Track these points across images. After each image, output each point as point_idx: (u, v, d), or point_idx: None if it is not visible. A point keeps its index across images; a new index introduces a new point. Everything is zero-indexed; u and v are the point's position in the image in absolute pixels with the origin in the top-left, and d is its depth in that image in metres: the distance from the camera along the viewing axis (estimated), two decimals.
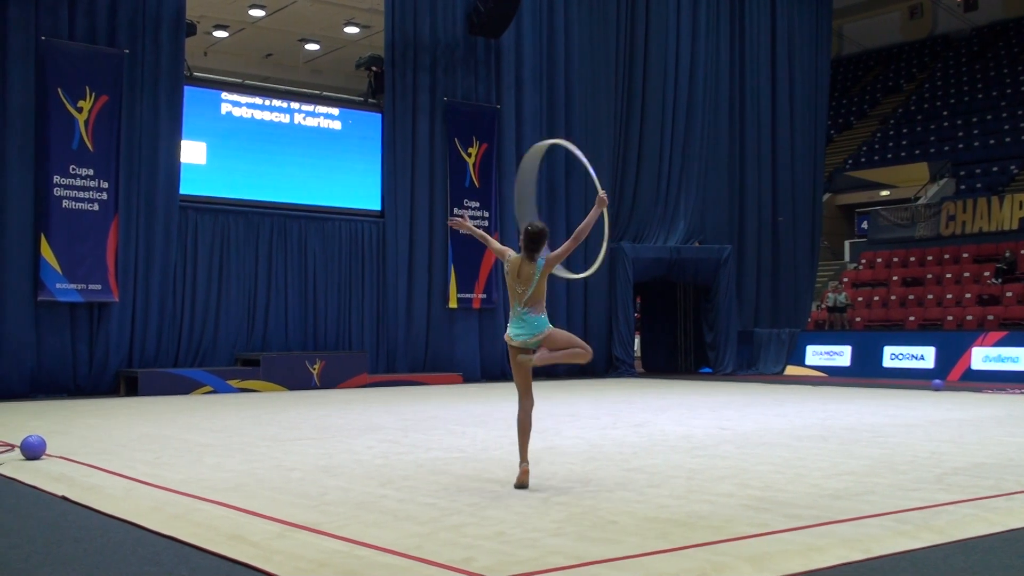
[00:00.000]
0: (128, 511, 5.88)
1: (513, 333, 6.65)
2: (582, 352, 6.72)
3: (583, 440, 9.49)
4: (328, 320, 19.07)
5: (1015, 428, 10.66)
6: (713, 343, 22.62)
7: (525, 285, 6.63)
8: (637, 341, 25.54)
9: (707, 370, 23.22)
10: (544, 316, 6.66)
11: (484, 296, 20.30)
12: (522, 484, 6.64)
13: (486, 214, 20.43)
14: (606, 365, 21.98)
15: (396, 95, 19.78)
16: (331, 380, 18.01)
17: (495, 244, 7.04)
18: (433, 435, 9.98)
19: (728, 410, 13.08)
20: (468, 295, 20.11)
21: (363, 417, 12.12)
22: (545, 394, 16.49)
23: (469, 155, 20.33)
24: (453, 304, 19.96)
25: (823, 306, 25.35)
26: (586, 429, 10.53)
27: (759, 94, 24.46)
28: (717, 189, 23.62)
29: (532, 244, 6.65)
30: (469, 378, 19.89)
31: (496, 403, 14.53)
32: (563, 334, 6.73)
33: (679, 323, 24.30)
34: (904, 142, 34.24)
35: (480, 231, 7.18)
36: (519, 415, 6.87)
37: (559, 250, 6.61)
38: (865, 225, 29.61)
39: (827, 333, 23.16)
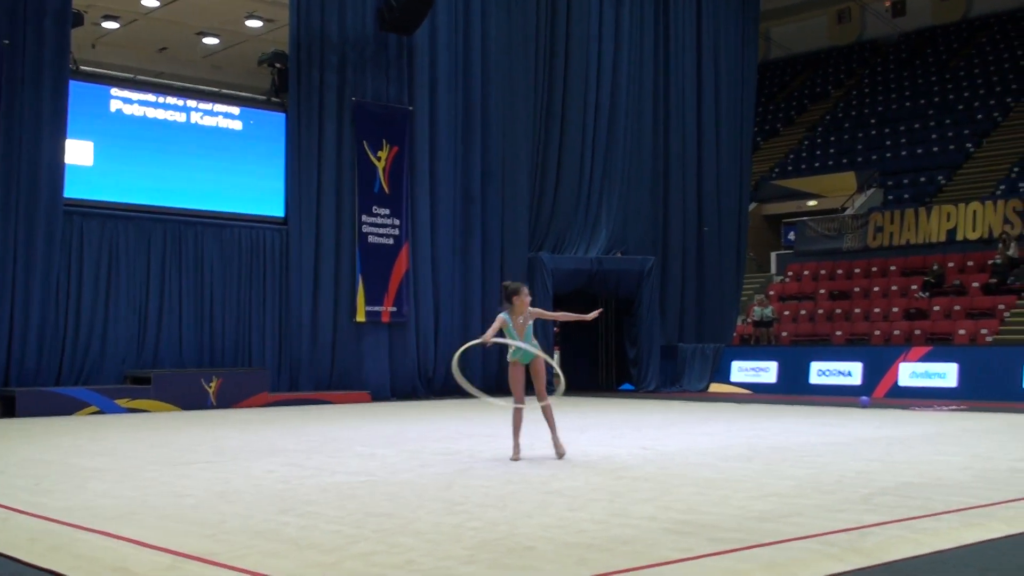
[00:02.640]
0: (3, 543, 5.71)
1: (519, 354, 9.47)
2: (547, 405, 9.89)
3: (500, 463, 9.50)
4: (226, 335, 18.83)
5: (943, 446, 10.98)
6: (635, 359, 22.87)
7: (526, 325, 9.49)
8: (556, 357, 25.67)
9: (629, 387, 23.46)
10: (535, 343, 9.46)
11: (394, 309, 20.23)
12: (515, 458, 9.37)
13: (396, 222, 20.38)
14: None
15: (301, 94, 19.64)
16: (229, 399, 17.77)
17: (493, 329, 9.40)
18: (339, 457, 9.90)
19: (651, 429, 13.22)
20: (377, 308, 20.02)
21: (263, 438, 11.99)
22: (459, 414, 16.48)
23: (379, 159, 20.26)
24: (361, 318, 19.85)
25: (749, 320, 25.84)
26: (503, 451, 10.55)
27: (684, 99, 24.85)
28: (640, 198, 23.92)
29: (508, 298, 9.44)
30: (378, 396, 19.79)
31: (407, 423, 14.47)
32: (542, 369, 9.67)
33: (600, 338, 24.50)
34: (832, 150, 35.11)
35: (497, 335, 9.41)
36: (514, 414, 9.74)
37: (544, 312, 9.73)
38: (792, 236, 30.26)
39: (753, 348, 23.61)
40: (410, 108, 20.78)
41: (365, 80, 20.33)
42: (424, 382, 20.79)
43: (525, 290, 9.50)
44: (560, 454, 9.65)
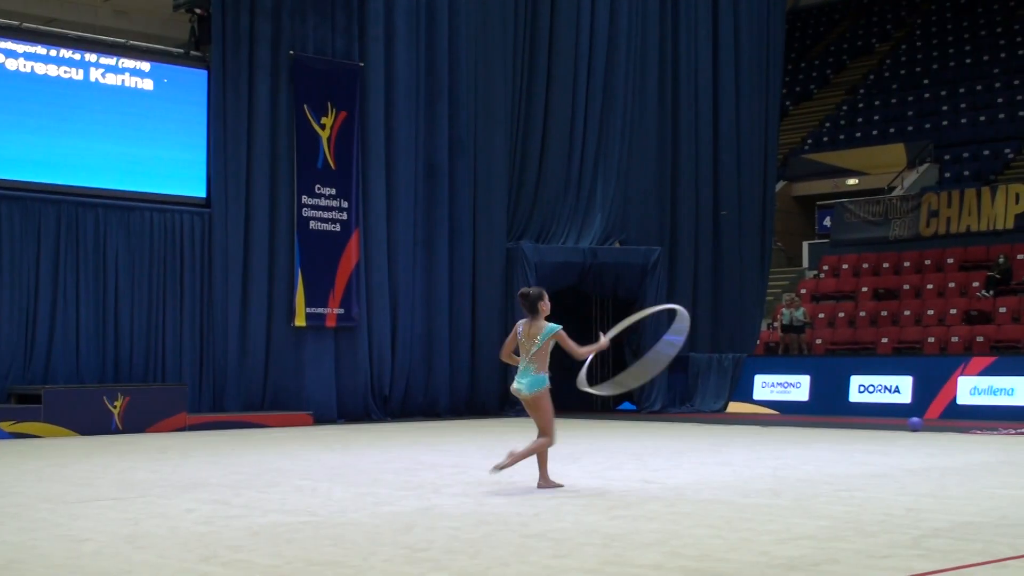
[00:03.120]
0: None
1: (515, 385, 9.82)
2: (544, 442, 9.87)
3: (471, 499, 9.51)
4: (135, 343, 18.77)
5: (1009, 477, 11.06)
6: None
7: (532, 341, 9.79)
8: None
9: (630, 407, 23.50)
10: (545, 376, 9.80)
11: (341, 311, 20.22)
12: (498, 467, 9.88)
13: (344, 204, 20.37)
14: (500, 401, 22.08)
15: (227, 47, 19.59)
16: (138, 422, 17.71)
17: (509, 342, 10.10)
18: (274, 493, 9.88)
19: (656, 458, 13.25)
20: (321, 310, 20.01)
21: (181, 470, 11.94)
22: (420, 440, 16.48)
23: (323, 127, 20.24)
24: (301, 322, 19.83)
25: (775, 325, 25.93)
26: (474, 484, 10.55)
27: (697, 55, 24.91)
28: (644, 175, 23.98)
29: (529, 307, 9.85)
30: (322, 418, 19.78)
31: (357, 450, 14.45)
32: (544, 410, 9.82)
33: None
34: (876, 118, 35.27)
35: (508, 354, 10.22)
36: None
37: (570, 343, 9.74)
38: (828, 222, 30.36)
39: (781, 359, 23.69)
40: (361, 64, 20.74)
41: (306, 30, 20.28)
42: (378, 401, 20.78)
43: (547, 298, 9.97)
44: (553, 484, 10.06)
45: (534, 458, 10.08)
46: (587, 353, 9.81)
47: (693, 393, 23.17)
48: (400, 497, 9.65)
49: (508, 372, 21.90)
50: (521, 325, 9.93)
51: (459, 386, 21.65)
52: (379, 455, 13.83)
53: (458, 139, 21.75)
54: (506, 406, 21.96)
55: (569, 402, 24.31)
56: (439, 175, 21.55)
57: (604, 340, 9.91)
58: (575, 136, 23.18)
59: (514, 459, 9.85)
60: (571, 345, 9.75)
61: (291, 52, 20.05)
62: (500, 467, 9.89)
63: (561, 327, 9.77)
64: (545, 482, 10.03)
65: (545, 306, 9.87)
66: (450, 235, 21.65)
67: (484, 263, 21.94)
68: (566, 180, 23.09)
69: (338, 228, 20.33)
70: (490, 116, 22.09)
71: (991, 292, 24.78)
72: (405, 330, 21.07)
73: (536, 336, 9.77)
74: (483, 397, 21.99)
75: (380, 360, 20.79)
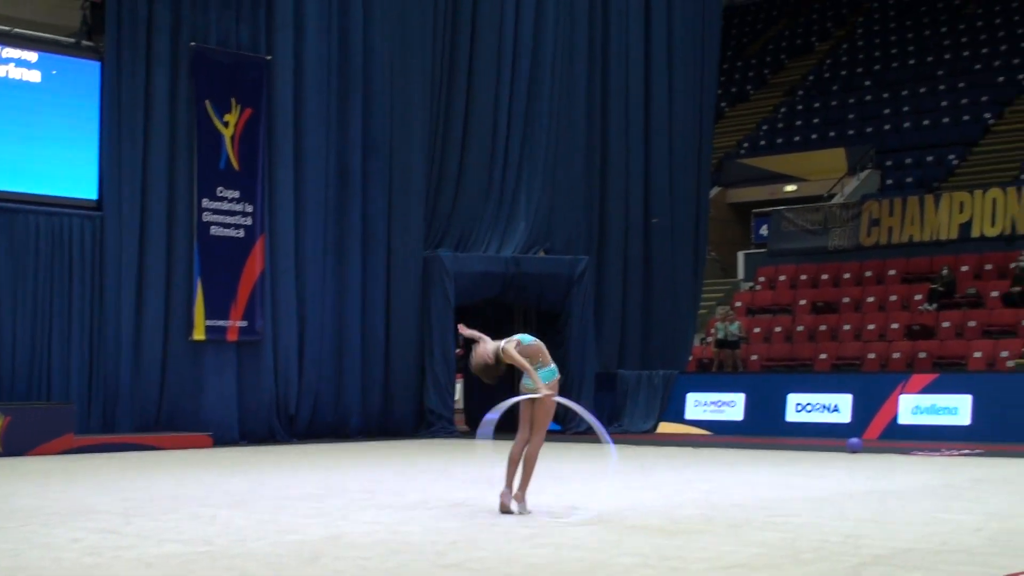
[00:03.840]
0: None
1: (526, 381, 10.23)
2: (538, 447, 10.39)
3: (382, 526, 9.48)
4: (17, 358, 18.52)
5: (952, 501, 11.24)
6: (563, 390, 22.96)
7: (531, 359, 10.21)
8: (459, 387, 25.70)
9: (554, 427, 23.54)
10: (554, 367, 10.37)
11: (244, 324, 20.08)
12: (504, 510, 10.01)
13: (249, 208, 20.23)
14: (416, 421, 22.04)
15: (122, 36, 19.42)
16: (20, 444, 17.43)
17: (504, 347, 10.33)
18: (168, 521, 9.79)
19: (578, 482, 13.30)
20: (222, 322, 19.86)
21: (67, 496, 11.78)
22: (329, 462, 16.41)
23: (226, 124, 20.11)
24: (200, 335, 19.68)
25: (709, 340, 26.16)
26: (386, 510, 10.52)
27: (628, 54, 25.06)
28: (570, 180, 24.07)
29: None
30: (222, 440, 19.61)
31: (260, 474, 14.35)
32: (549, 405, 10.34)
33: None
34: (815, 121, 35.73)
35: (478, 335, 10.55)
36: (512, 447, 10.31)
37: (512, 353, 10.16)
38: (764, 231, 30.67)
39: (714, 376, 23.89)
40: (268, 58, 20.64)
41: (208, 19, 20.14)
42: (284, 421, 20.65)
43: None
44: (523, 511, 10.18)
45: (504, 467, 10.34)
46: (529, 373, 10.26)
47: (621, 412, 23.27)
48: (305, 525, 9.60)
49: (424, 390, 22.04)
50: (519, 350, 10.26)
51: (371, 405, 21.56)
52: (284, 479, 13.74)
53: (372, 140, 21.70)
54: (422, 426, 21.92)
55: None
56: (352, 178, 21.48)
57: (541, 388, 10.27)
58: (498, 138, 23.21)
59: (526, 482, 10.20)
60: (523, 364, 10.23)
61: (192, 43, 19.89)
62: (520, 502, 10.15)
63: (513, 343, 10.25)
64: (522, 495, 10.22)
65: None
66: (363, 242, 21.58)
67: (399, 273, 21.90)
68: (488, 185, 23.11)
69: (242, 234, 20.19)
70: (407, 115, 22.06)
71: (934, 305, 25.17)
72: (313, 345, 20.95)
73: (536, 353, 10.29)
74: (397, 417, 21.92)
75: (286, 377, 20.65)
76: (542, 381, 10.17)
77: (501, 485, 10.23)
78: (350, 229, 21.44)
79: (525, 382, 10.25)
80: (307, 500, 11.48)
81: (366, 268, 21.61)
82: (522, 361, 10.11)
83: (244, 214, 20.21)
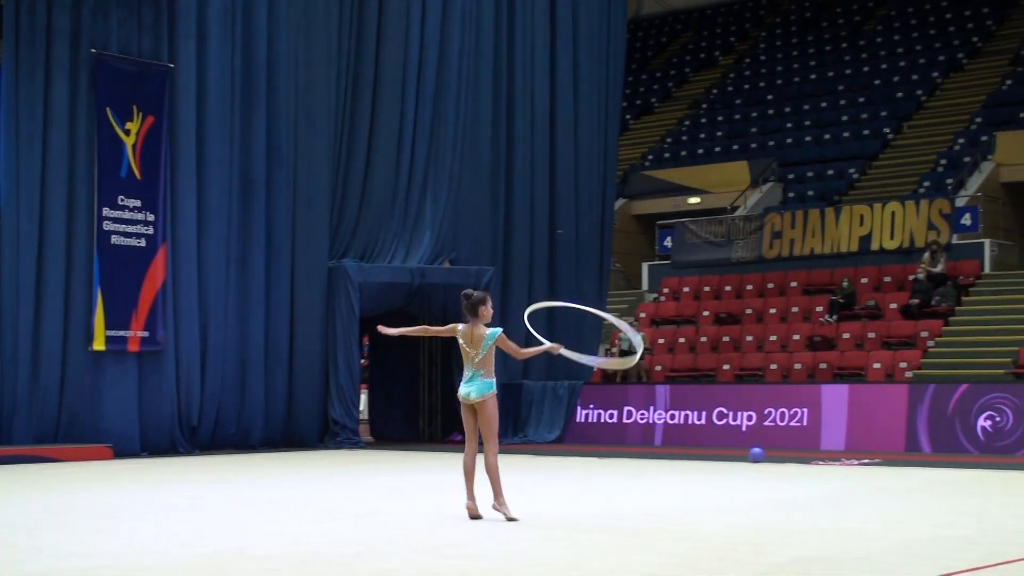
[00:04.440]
0: None
1: (463, 391, 10.35)
2: (495, 456, 10.44)
3: (288, 537, 9.47)
4: None
5: (852, 510, 11.47)
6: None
7: (476, 348, 10.32)
8: (364, 398, 25.65)
9: (459, 437, 23.59)
10: (492, 381, 10.39)
11: (146, 334, 19.89)
12: (474, 516, 10.36)
13: (150, 217, 20.06)
14: (320, 431, 21.96)
15: (21, 42, 19.16)
16: None
17: (438, 329, 10.81)
18: (68, 535, 9.69)
19: (485, 492, 13.35)
20: (122, 332, 19.65)
21: None
22: (235, 473, 16.32)
23: (128, 132, 19.93)
24: (100, 345, 19.46)
25: (613, 351, 26.35)
26: (291, 522, 10.50)
27: (533, 65, 25.18)
28: (476, 191, 24.14)
29: (470, 309, 10.39)
30: (123, 451, 19.41)
31: (163, 487, 14.25)
32: (491, 416, 10.32)
33: (423, 373, 24.57)
34: (719, 134, 36.16)
35: (417, 328, 11.00)
36: (463, 458, 10.50)
37: (511, 345, 10.48)
38: (668, 243, 30.96)
39: (619, 387, 24.05)
40: (171, 66, 20.47)
41: (109, 26, 19.94)
42: (186, 432, 20.48)
43: (490, 301, 10.59)
44: (509, 518, 10.39)
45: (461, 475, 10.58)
46: (529, 354, 10.77)
47: (526, 423, 23.37)
48: (210, 537, 9.56)
49: (329, 400, 21.98)
50: (461, 328, 10.48)
51: (275, 416, 21.45)
52: (187, 491, 13.64)
53: (277, 148, 21.60)
54: (326, 437, 21.85)
55: (394, 431, 24.41)
56: (255, 187, 21.36)
57: (548, 345, 10.66)
58: (403, 148, 23.20)
59: (498, 492, 10.42)
60: (512, 347, 10.52)
61: (92, 50, 19.67)
62: (506, 515, 10.38)
63: (502, 330, 10.41)
64: (501, 503, 10.46)
65: (487, 311, 10.44)
66: (267, 252, 21.47)
67: (303, 283, 21.81)
68: (393, 195, 23.10)
69: (143, 243, 20.00)
70: (312, 124, 21.99)
71: (834, 317, 25.58)
72: (216, 355, 20.80)
73: (480, 342, 10.33)
74: (301, 428, 21.84)
75: (188, 388, 20.49)
76: (480, 393, 10.33)
77: (464, 498, 10.57)
78: (254, 239, 21.33)
79: (463, 391, 10.40)
80: (211, 512, 11.42)
81: (270, 278, 21.51)
82: (514, 347, 10.52)
83: (146, 223, 20.03)
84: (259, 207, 21.39)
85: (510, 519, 10.32)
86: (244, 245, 21.24)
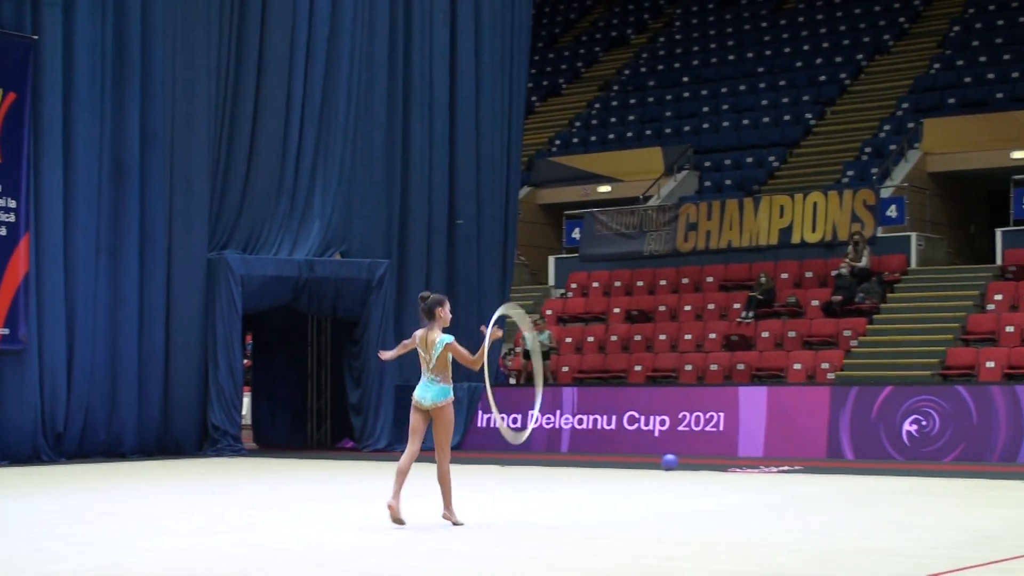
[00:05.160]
0: None
1: (419, 395, 10.80)
2: (446, 464, 11.01)
3: (163, 553, 9.39)
4: None
5: (769, 522, 11.62)
6: (360, 404, 22.92)
7: (429, 353, 10.80)
8: (246, 401, 25.47)
9: (350, 443, 23.52)
10: (449, 387, 10.86)
11: (6, 331, 19.61)
12: (395, 519, 10.67)
13: (12, 204, 19.76)
14: (199, 437, 21.78)
15: None
16: None
17: (411, 341, 11.06)
18: None
19: (370, 503, 13.33)
20: None
21: None
22: (104, 483, 16.15)
23: None
24: None
25: (517, 350, 26.43)
26: (168, 536, 10.42)
27: (432, 43, 25.12)
28: (369, 178, 24.05)
29: (427, 311, 10.92)
30: None
31: (24, 498, 14.10)
32: (446, 423, 10.88)
33: (311, 375, 24.45)
34: (631, 118, 36.38)
35: (403, 344, 11.36)
36: (401, 458, 10.88)
37: (464, 353, 10.89)
38: (576, 234, 31.09)
39: (522, 389, 24.11)
40: (34, 37, 20.18)
41: None
42: (50, 439, 20.20)
43: (448, 304, 11.08)
44: (456, 523, 10.93)
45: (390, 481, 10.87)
46: (481, 359, 10.95)
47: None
48: (76, 553, 9.46)
49: (208, 404, 21.82)
50: (419, 332, 10.93)
51: (148, 422, 21.22)
52: (50, 503, 13.47)
53: (152, 131, 21.36)
54: (206, 444, 21.69)
55: (279, 436, 24.28)
56: (128, 171, 21.12)
57: (487, 335, 10.94)
58: (291, 131, 23.05)
59: (448, 501, 11.03)
60: (464, 354, 10.92)
61: None
62: (453, 522, 10.97)
63: (453, 339, 10.82)
64: (451, 512, 11.04)
65: (444, 313, 10.94)
66: (140, 243, 21.23)
67: (181, 276, 21.60)
68: (280, 182, 22.94)
69: (3, 232, 19.71)
70: (191, 104, 21.77)
71: (752, 315, 25.84)
72: (84, 355, 20.54)
73: (432, 347, 10.81)
74: (178, 434, 21.63)
75: (53, 391, 20.21)
76: (436, 399, 10.83)
77: (388, 496, 10.86)
78: (126, 228, 21.07)
79: (418, 396, 10.88)
80: (77, 526, 11.29)
81: (144, 270, 21.26)
82: (467, 354, 10.91)
83: (6, 210, 19.73)
84: (132, 193, 21.13)
85: (456, 524, 10.94)
86: (115, 234, 20.99)
